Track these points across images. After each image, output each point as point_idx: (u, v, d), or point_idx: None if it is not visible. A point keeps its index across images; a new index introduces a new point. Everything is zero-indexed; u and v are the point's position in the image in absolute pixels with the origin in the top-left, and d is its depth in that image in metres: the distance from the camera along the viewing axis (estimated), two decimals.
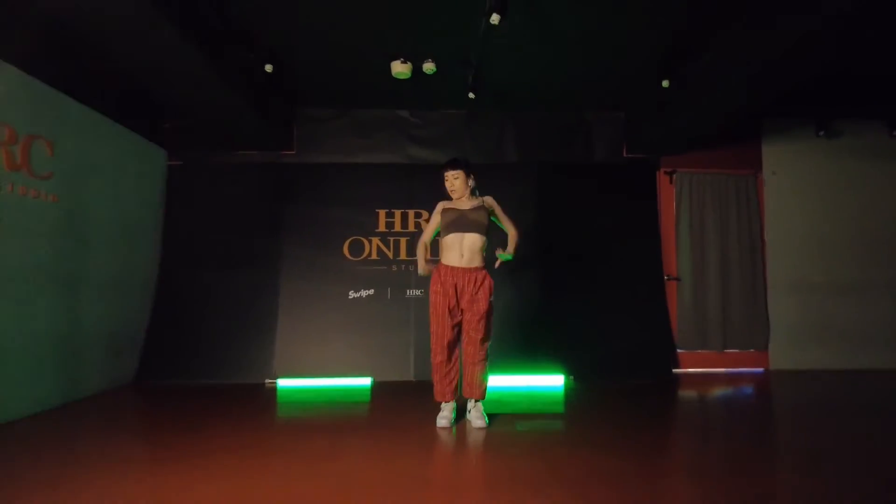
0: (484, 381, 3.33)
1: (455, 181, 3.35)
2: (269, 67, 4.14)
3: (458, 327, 3.31)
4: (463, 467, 2.64)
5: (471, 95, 4.55)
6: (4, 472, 2.54)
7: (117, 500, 2.21)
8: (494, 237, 3.50)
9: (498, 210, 3.47)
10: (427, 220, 5.23)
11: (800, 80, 3.97)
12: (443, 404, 3.37)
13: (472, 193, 3.43)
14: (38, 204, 3.60)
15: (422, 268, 3.43)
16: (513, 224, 3.51)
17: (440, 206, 3.43)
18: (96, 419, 3.61)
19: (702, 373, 5.35)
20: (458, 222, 3.27)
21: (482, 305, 3.26)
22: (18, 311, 3.45)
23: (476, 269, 3.30)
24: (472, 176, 3.41)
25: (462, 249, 3.26)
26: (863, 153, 5.64)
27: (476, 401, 3.37)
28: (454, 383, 3.33)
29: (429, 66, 4.28)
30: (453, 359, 3.31)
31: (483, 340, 3.28)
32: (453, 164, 3.38)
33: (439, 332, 3.27)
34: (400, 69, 4.27)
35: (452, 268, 3.28)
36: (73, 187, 3.96)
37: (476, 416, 3.32)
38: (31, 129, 3.54)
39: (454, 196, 3.39)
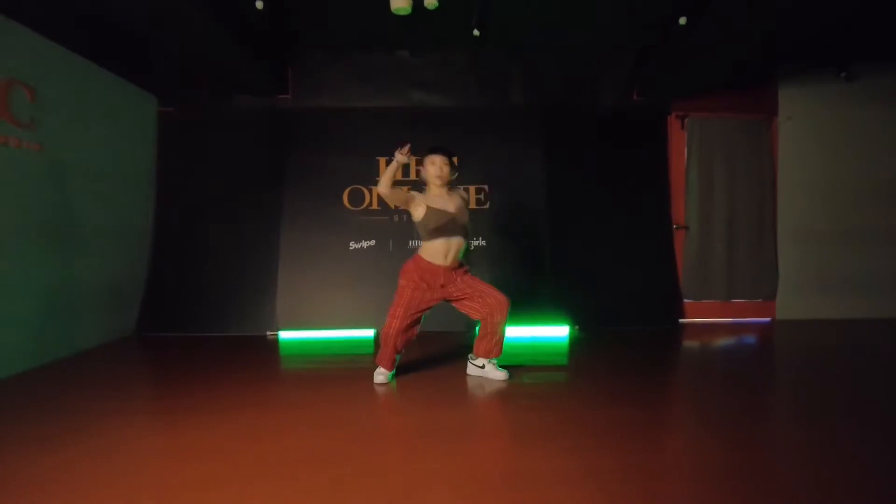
0: (502, 333, 3.24)
1: (445, 167, 3.18)
2: (259, 4, 3.87)
3: (418, 316, 3.23)
4: (471, 418, 2.60)
5: (476, 32, 4.28)
6: (6, 426, 2.50)
7: (119, 454, 2.17)
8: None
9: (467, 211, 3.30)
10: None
11: (826, 17, 3.72)
12: (380, 369, 3.27)
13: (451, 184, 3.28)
14: (20, 153, 3.43)
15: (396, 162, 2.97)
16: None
17: (422, 199, 3.14)
18: (96, 373, 3.57)
19: (708, 322, 5.30)
20: (447, 227, 3.11)
21: (476, 285, 3.18)
22: (8, 265, 3.34)
23: (457, 268, 3.21)
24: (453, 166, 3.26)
25: (448, 254, 3.13)
26: (882, 99, 5.40)
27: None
28: (397, 352, 3.26)
29: (430, 2, 3.99)
30: (409, 330, 3.24)
31: (504, 303, 3.14)
32: (445, 151, 3.22)
33: (401, 315, 3.17)
34: (400, 4, 3.97)
35: (434, 266, 3.14)
36: (58, 136, 3.78)
37: (492, 370, 3.27)
38: (9, 72, 3.33)
39: (439, 182, 3.18)
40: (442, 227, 3.09)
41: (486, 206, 5.06)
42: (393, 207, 3.90)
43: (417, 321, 3.26)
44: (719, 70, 4.69)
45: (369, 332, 4.73)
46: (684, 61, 4.54)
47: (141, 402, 3.05)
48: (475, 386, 3.15)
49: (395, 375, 3.32)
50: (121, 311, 4.60)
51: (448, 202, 3.17)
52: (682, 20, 4.15)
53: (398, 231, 5.00)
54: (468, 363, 3.38)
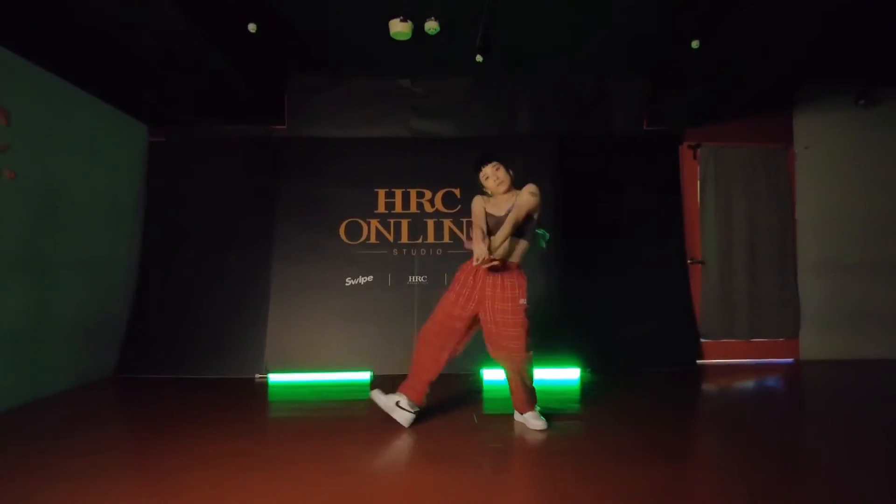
0: (529, 387, 3.01)
1: (497, 172, 3.01)
2: (252, 27, 3.69)
3: (462, 327, 2.97)
4: (475, 481, 2.25)
5: (478, 58, 4.09)
6: None
7: None
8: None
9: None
10: (430, 201, 4.84)
11: (846, 42, 3.53)
12: (403, 397, 3.01)
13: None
14: None
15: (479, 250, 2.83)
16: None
17: (483, 203, 3.02)
18: (67, 419, 3.24)
19: (727, 364, 4.96)
20: (495, 227, 2.93)
21: (504, 318, 2.88)
22: None
23: (502, 270, 2.94)
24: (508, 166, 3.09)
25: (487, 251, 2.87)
26: None
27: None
28: (427, 380, 2.99)
29: (431, 26, 3.83)
30: (445, 352, 2.96)
31: (514, 359, 2.90)
32: (489, 158, 3.05)
33: (444, 305, 2.99)
34: (399, 28, 3.82)
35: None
36: (37, 162, 3.55)
37: (531, 418, 3.00)
38: None
39: (501, 190, 3.02)
40: (491, 229, 2.93)
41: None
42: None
43: (452, 349, 2.98)
44: (732, 96, 4.49)
45: (366, 376, 4.40)
46: (697, 87, 4.35)
47: (113, 453, 2.70)
48: (484, 440, 2.81)
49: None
50: (98, 350, 4.29)
51: (503, 204, 2.99)
52: (695, 43, 3.99)
53: (397, 266, 4.72)
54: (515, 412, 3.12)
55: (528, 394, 2.99)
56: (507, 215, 2.90)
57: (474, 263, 2.79)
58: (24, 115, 3.44)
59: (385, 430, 2.95)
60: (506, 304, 2.87)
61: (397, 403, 2.98)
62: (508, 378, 3.01)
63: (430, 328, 2.98)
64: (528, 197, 2.90)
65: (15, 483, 2.21)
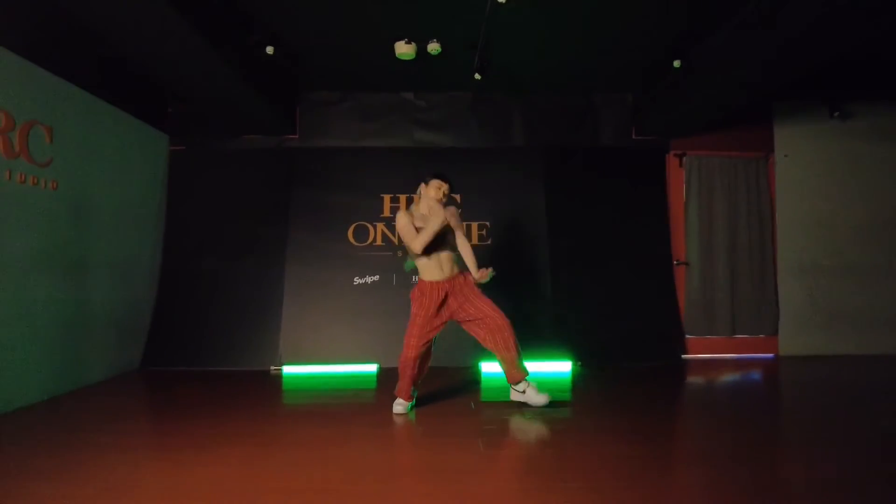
0: (521, 359, 3.35)
1: (446, 198, 3.36)
2: (270, 49, 4.04)
3: (430, 339, 3.33)
4: (476, 456, 2.59)
5: (476, 77, 4.44)
6: (11, 460, 2.52)
7: (118, 490, 2.18)
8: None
9: (454, 221, 3.42)
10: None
11: (819, 60, 3.84)
12: (399, 400, 3.39)
13: None
14: (37, 191, 3.54)
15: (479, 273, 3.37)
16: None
17: (410, 221, 3.28)
18: (102, 407, 3.59)
19: (710, 358, 5.29)
20: (434, 243, 3.26)
21: (479, 304, 3.30)
22: (20, 298, 3.41)
23: (455, 275, 3.36)
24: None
25: (441, 265, 3.31)
26: (877, 135, 5.50)
27: (525, 380, 3.39)
28: (416, 379, 3.37)
29: (433, 47, 4.17)
30: (424, 359, 3.35)
31: (504, 327, 3.27)
32: (449, 183, 3.40)
33: (415, 341, 3.27)
34: (404, 50, 4.16)
35: (435, 282, 3.30)
36: (74, 173, 3.90)
37: (533, 394, 3.36)
38: (29, 115, 3.47)
39: (434, 204, 3.31)
40: (435, 242, 3.25)
41: (489, 241, 5.14)
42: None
43: (429, 350, 3.35)
44: (715, 110, 4.79)
45: (372, 368, 4.75)
46: (680, 102, 4.67)
47: (143, 437, 3.05)
48: (479, 422, 3.16)
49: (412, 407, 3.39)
50: (126, 345, 4.64)
51: (433, 217, 3.27)
52: (677, 63, 4.30)
53: (401, 266, 5.07)
54: (511, 390, 3.45)
55: (514, 361, 3.31)
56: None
57: (479, 277, 3.30)
58: (64, 130, 3.79)
59: (389, 415, 3.29)
60: (469, 289, 3.32)
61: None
62: (497, 352, 3.32)
63: (411, 356, 3.25)
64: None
65: (69, 463, 2.52)
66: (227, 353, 4.82)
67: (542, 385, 4.04)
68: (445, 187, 3.35)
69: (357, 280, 5.03)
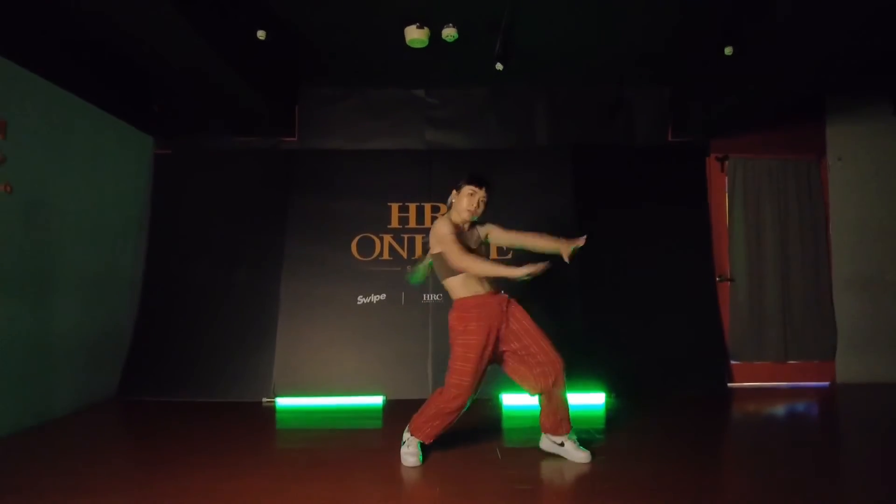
0: (566, 405, 2.80)
1: (482, 205, 2.84)
2: (261, 34, 3.53)
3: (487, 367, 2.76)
4: None
5: (498, 66, 3.91)
6: None
7: None
8: None
9: (498, 232, 2.95)
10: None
11: (878, 51, 3.36)
12: (410, 437, 2.80)
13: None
14: None
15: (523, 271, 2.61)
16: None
17: (453, 232, 2.74)
18: (66, 445, 3.11)
19: (759, 387, 4.72)
20: (481, 255, 2.82)
21: (527, 334, 2.74)
22: None
23: (499, 293, 2.84)
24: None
25: (483, 281, 2.79)
26: None
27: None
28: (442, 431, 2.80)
29: (449, 33, 3.66)
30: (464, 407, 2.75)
31: (557, 365, 2.70)
32: (489, 186, 2.86)
33: (469, 381, 2.66)
34: (415, 35, 3.65)
35: (483, 296, 2.77)
36: (34, 176, 3.40)
37: (572, 449, 2.78)
38: None
39: (468, 217, 2.83)
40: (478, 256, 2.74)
41: (509, 255, 4.57)
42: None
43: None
44: (762, 106, 4.28)
45: (378, 400, 4.19)
46: (724, 97, 4.17)
47: (114, 481, 2.58)
48: (509, 478, 2.58)
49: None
50: (100, 371, 4.12)
51: (469, 236, 2.86)
52: (728, 50, 3.77)
53: (411, 284, 4.52)
54: (543, 438, 2.89)
55: (562, 410, 2.76)
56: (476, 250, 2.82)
57: (524, 275, 2.51)
58: (22, 126, 3.29)
59: (399, 467, 2.74)
60: (519, 313, 2.78)
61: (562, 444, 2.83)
62: (546, 399, 2.76)
63: (460, 403, 2.68)
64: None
65: None
66: (215, 382, 4.29)
67: (574, 421, 3.51)
68: (480, 194, 2.81)
69: (361, 299, 4.48)
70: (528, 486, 2.48)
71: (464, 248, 2.68)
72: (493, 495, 2.37)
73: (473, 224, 2.92)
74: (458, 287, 2.77)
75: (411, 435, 2.78)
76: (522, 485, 2.49)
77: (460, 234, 2.77)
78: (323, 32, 3.91)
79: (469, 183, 2.81)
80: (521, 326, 2.74)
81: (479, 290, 2.75)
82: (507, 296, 2.83)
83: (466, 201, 2.79)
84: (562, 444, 2.80)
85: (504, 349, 2.77)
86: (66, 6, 2.82)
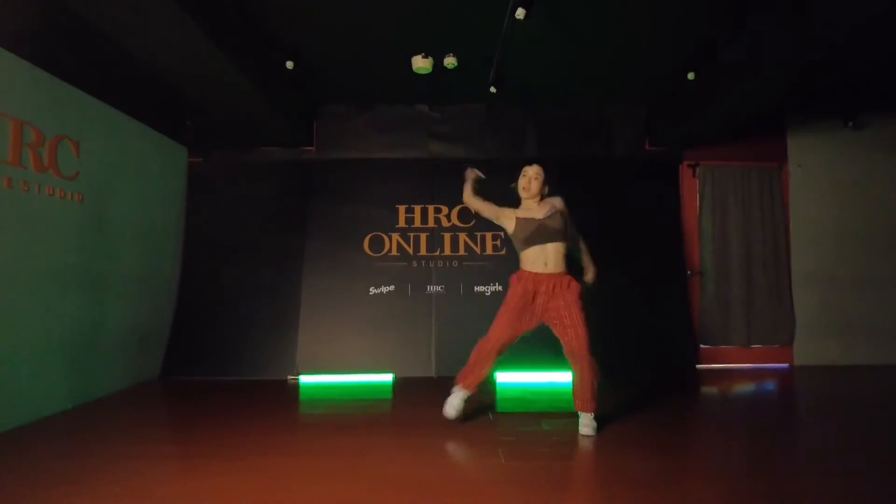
0: (592, 389, 3.11)
1: (535, 181, 3.25)
2: (290, 64, 4.13)
3: (518, 334, 3.21)
4: (491, 467, 2.63)
5: (492, 90, 4.48)
6: (31, 466, 2.58)
7: (144, 497, 2.23)
8: None
9: (567, 215, 3.28)
10: (447, 216, 5.20)
11: (837, 75, 3.86)
12: (459, 389, 3.28)
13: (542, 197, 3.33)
14: (64, 204, 3.63)
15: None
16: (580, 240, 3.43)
17: (511, 212, 3.27)
18: (121, 417, 3.64)
19: (725, 368, 5.29)
20: (537, 234, 3.15)
21: (570, 319, 3.09)
22: (47, 310, 3.48)
23: (560, 273, 3.17)
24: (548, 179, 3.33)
25: (547, 260, 3.15)
26: (891, 145, 5.51)
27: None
28: (483, 378, 3.27)
29: (450, 61, 4.23)
30: (498, 354, 3.22)
31: (579, 355, 3.07)
32: (540, 162, 3.33)
33: (506, 321, 3.15)
34: (421, 64, 4.22)
35: (536, 274, 3.16)
36: (98, 187, 3.98)
37: (585, 424, 3.12)
38: (58, 130, 3.56)
39: (526, 195, 3.28)
40: (532, 235, 3.14)
41: (503, 252, 5.16)
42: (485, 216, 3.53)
43: (505, 348, 3.22)
44: (728, 122, 4.82)
45: (388, 377, 4.79)
46: (694, 113, 4.70)
47: (163, 446, 3.08)
48: (497, 433, 3.18)
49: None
50: (146, 355, 4.71)
51: (537, 211, 3.22)
52: (691, 75, 4.33)
53: (417, 277, 5.12)
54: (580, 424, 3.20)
55: (591, 393, 3.10)
56: (551, 218, 3.15)
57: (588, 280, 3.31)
58: (89, 144, 3.87)
59: (407, 426, 3.32)
60: (569, 294, 3.12)
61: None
62: (574, 377, 3.14)
63: (490, 346, 3.15)
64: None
65: (92, 471, 2.58)
66: (245, 363, 4.87)
67: (555, 396, 4.06)
68: (530, 172, 3.27)
69: (372, 290, 5.08)
70: (513, 438, 3.07)
71: (485, 205, 3.35)
72: (485, 445, 2.97)
73: (544, 199, 3.31)
74: (522, 261, 3.24)
75: (458, 385, 3.27)
76: (508, 437, 3.09)
77: (524, 221, 3.20)
78: (339, 61, 4.43)
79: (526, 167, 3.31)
80: (569, 311, 3.09)
81: (539, 269, 3.14)
82: (565, 277, 3.16)
83: (520, 182, 3.30)
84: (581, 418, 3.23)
85: (555, 320, 3.13)
86: (119, 42, 3.32)
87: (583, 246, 3.44)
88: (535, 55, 4.29)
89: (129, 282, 4.40)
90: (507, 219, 3.26)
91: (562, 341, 3.15)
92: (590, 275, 3.40)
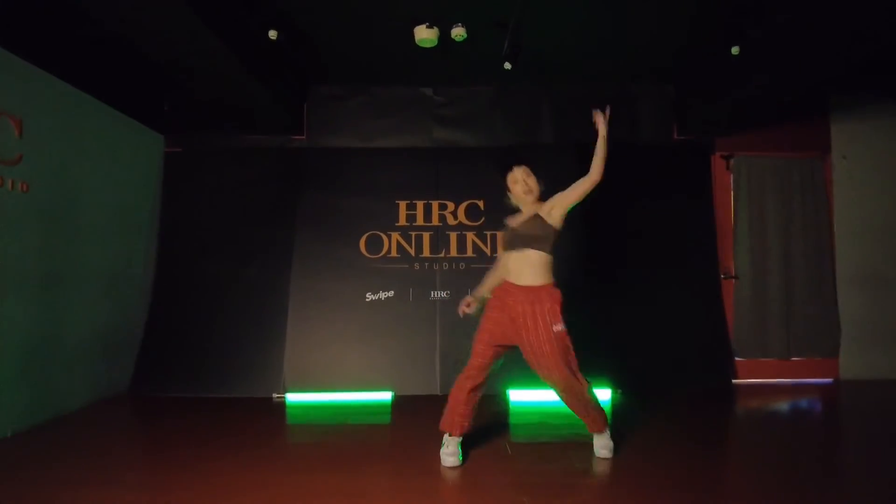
0: (592, 411, 2.76)
1: (528, 179, 2.86)
2: (273, 34, 3.57)
3: (499, 351, 2.76)
4: None
5: (507, 66, 3.93)
6: None
7: None
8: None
9: (559, 198, 2.83)
10: (453, 213, 4.71)
11: (882, 47, 3.36)
12: (447, 437, 2.77)
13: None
14: (4, 193, 3.09)
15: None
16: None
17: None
18: (79, 439, 3.18)
19: (763, 384, 4.75)
20: (510, 242, 2.81)
21: (537, 335, 2.63)
22: None
23: (537, 287, 2.71)
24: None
25: (512, 271, 2.78)
26: None
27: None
28: (469, 417, 2.76)
29: (458, 32, 3.69)
30: (478, 388, 2.76)
31: (558, 381, 2.63)
32: (519, 160, 2.89)
33: (477, 349, 2.74)
34: (425, 35, 3.68)
35: (508, 283, 2.78)
36: (49, 174, 3.45)
37: (601, 446, 2.82)
38: None
39: (529, 199, 2.86)
40: (507, 242, 2.83)
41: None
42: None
43: (485, 377, 2.76)
44: (766, 104, 4.33)
45: (387, 396, 4.24)
46: (728, 95, 4.19)
47: (127, 475, 2.64)
48: (519, 472, 2.64)
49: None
50: (112, 367, 4.18)
51: (522, 215, 2.89)
52: (735, 49, 3.80)
53: (419, 281, 4.58)
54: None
55: (592, 415, 2.77)
56: (525, 224, 2.78)
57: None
58: (37, 124, 3.34)
59: (411, 460, 2.80)
60: (539, 333, 2.63)
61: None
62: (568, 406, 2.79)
63: (463, 376, 2.77)
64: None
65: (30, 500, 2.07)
66: (226, 378, 4.33)
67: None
68: (519, 173, 2.87)
69: (370, 296, 4.53)
70: (538, 479, 2.53)
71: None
72: (505, 489, 2.42)
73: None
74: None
75: (445, 432, 2.77)
76: (532, 476, 2.55)
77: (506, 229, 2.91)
78: (332, 32, 3.94)
79: (502, 173, 2.93)
80: (539, 338, 2.63)
81: (510, 279, 2.78)
82: (543, 290, 2.74)
83: (516, 189, 2.89)
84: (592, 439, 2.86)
85: (527, 349, 2.67)
86: (78, 4, 2.84)
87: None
88: (553, 22, 3.79)
89: (91, 283, 3.90)
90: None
91: (536, 368, 2.67)
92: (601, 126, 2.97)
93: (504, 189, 2.96)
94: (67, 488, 2.39)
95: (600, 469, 2.67)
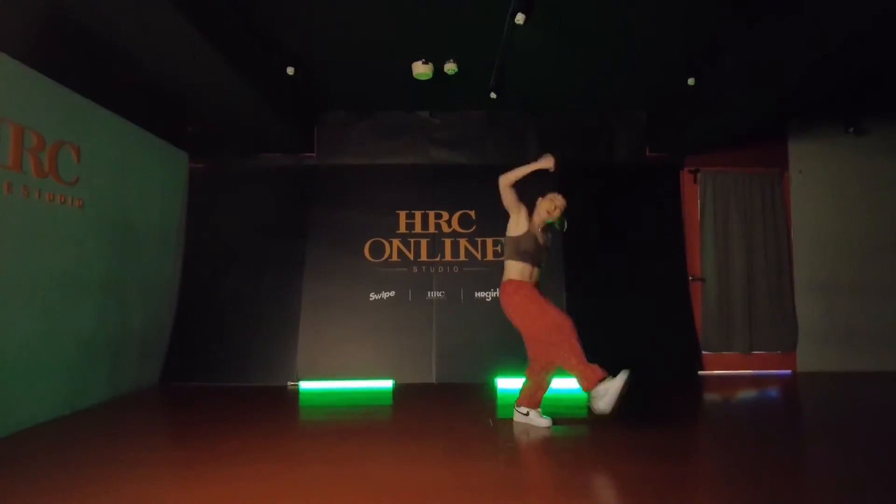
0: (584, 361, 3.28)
1: (557, 211, 3.39)
2: (290, 70, 4.14)
3: None
4: (494, 473, 2.59)
5: (492, 95, 4.49)
6: (30, 473, 2.56)
7: (138, 502, 2.22)
8: None
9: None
10: (447, 222, 5.21)
11: (838, 80, 3.85)
12: (532, 411, 3.44)
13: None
14: (64, 210, 3.63)
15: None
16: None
17: (526, 218, 3.38)
18: (121, 423, 3.63)
19: (727, 375, 5.25)
20: (534, 254, 3.34)
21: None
22: (47, 316, 3.47)
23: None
24: None
25: (532, 278, 3.37)
26: (893, 151, 5.50)
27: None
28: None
29: (450, 67, 4.24)
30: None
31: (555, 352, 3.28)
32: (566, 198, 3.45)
33: (554, 308, 3.29)
34: (421, 70, 4.23)
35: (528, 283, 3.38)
36: (99, 192, 3.98)
37: (536, 417, 3.42)
38: (58, 135, 3.56)
39: (546, 217, 3.39)
40: (529, 253, 3.31)
41: (504, 257, 5.14)
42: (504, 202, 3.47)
43: None
44: (729, 128, 4.82)
45: (388, 384, 4.77)
46: (695, 119, 4.70)
47: (162, 452, 3.05)
48: (498, 440, 3.16)
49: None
50: (146, 361, 4.69)
51: (541, 234, 3.41)
52: (691, 81, 4.33)
53: (417, 282, 5.12)
54: (514, 411, 3.50)
55: (539, 390, 3.40)
56: (545, 245, 3.43)
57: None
58: (90, 151, 3.87)
59: (407, 433, 3.30)
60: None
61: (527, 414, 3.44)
62: (530, 371, 3.42)
63: (569, 322, 3.31)
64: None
65: (92, 477, 2.57)
66: (245, 369, 4.86)
67: (559, 402, 4.03)
68: (561, 203, 3.41)
69: (373, 296, 5.07)
70: (513, 444, 3.06)
71: (514, 195, 3.38)
72: (485, 451, 2.94)
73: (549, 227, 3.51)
74: (511, 271, 3.40)
75: (528, 409, 3.43)
76: (509, 443, 3.08)
77: (534, 227, 3.38)
78: (341, 67, 4.45)
79: (555, 192, 3.46)
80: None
81: (520, 278, 3.37)
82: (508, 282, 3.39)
83: (546, 206, 3.40)
84: (527, 414, 3.42)
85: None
86: (121, 48, 3.33)
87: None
88: (536, 61, 4.31)
89: (130, 288, 4.40)
90: (522, 222, 3.35)
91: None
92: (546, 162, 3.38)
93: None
94: (111, 463, 2.75)
95: (569, 437, 3.17)
